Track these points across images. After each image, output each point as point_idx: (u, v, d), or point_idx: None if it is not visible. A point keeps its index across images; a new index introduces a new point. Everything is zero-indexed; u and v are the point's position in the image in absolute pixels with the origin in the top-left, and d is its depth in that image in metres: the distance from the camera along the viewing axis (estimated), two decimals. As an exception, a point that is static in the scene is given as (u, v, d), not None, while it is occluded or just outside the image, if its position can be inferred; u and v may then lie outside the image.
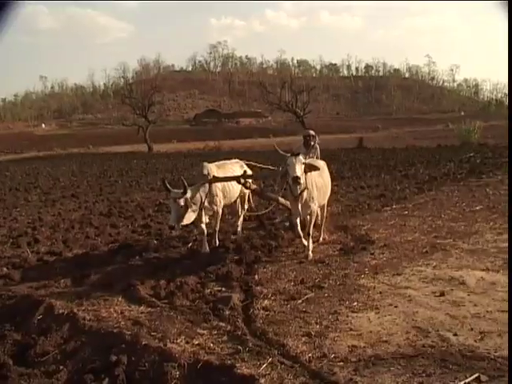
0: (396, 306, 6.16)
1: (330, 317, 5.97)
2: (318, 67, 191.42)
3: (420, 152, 31.67)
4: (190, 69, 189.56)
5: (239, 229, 10.57)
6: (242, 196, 10.36)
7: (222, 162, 10.18)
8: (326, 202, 9.52)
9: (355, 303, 6.35)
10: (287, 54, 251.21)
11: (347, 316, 5.97)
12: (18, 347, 6.20)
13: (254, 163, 11.11)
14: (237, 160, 10.69)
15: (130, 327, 5.96)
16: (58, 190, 22.11)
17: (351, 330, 5.58)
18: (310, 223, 8.67)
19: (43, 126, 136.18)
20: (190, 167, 27.27)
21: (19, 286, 8.01)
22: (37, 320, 6.69)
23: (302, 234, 8.60)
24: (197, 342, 5.49)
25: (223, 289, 7.16)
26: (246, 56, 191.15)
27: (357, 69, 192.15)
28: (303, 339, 5.40)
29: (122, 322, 6.15)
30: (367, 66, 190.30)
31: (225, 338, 5.62)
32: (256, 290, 6.98)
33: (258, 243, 9.42)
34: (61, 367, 5.52)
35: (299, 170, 7.84)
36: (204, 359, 5.01)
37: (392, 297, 6.50)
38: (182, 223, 8.61)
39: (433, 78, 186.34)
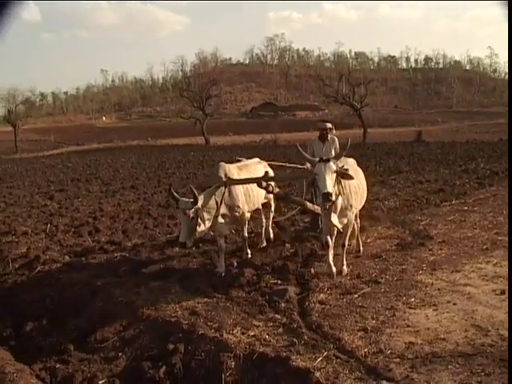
0: (455, 304, 6.07)
1: (387, 312, 5.94)
2: (376, 59, 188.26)
3: (481, 146, 30.88)
4: (247, 62, 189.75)
5: (264, 243, 9.26)
6: (267, 202, 9.21)
7: (243, 163, 9.05)
8: (362, 205, 8.32)
9: (412, 299, 6.29)
10: (345, 47, 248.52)
11: (404, 312, 5.93)
12: (79, 333, 6.43)
13: (278, 163, 10.16)
14: (258, 160, 9.49)
15: (186, 317, 6.08)
16: (118, 181, 22.61)
17: (408, 326, 5.54)
18: (346, 234, 7.58)
19: (104, 118, 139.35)
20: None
21: (81, 274, 8.27)
22: (97, 307, 6.90)
23: (331, 245, 7.32)
24: (252, 334, 5.56)
25: (279, 281, 7.17)
26: (304, 48, 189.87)
27: (416, 61, 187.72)
28: (359, 334, 5.40)
29: (179, 312, 6.27)
30: (427, 58, 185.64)
31: (280, 330, 5.67)
32: (312, 284, 6.99)
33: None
34: (120, 354, 5.71)
35: (330, 183, 6.47)
36: (259, 351, 5.08)
37: (450, 294, 6.40)
38: (195, 237, 7.43)
39: (495, 70, 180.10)
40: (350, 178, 6.88)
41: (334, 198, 6.49)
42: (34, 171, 31.20)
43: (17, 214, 14.49)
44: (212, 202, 7.62)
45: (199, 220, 7.24)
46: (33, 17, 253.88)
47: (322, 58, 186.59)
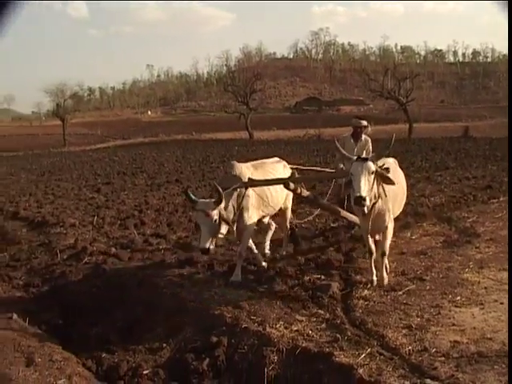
0: (502, 303, 5.92)
1: (432, 310, 5.86)
2: (423, 53, 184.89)
3: (531, 142, 30.05)
4: (291, 56, 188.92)
5: (284, 251, 8.59)
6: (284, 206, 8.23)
7: (259, 162, 8.12)
8: (401, 210, 7.62)
9: (458, 297, 6.18)
10: (390, 40, 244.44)
11: (450, 310, 5.84)
12: (124, 323, 6.56)
13: (301, 167, 9.16)
14: (277, 159, 8.51)
15: (230, 310, 6.12)
16: (163, 174, 22.83)
17: (454, 324, 5.45)
18: (385, 240, 6.80)
19: (149, 112, 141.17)
20: (290, 155, 27.16)
21: (126, 265, 8.44)
22: (142, 298, 7.01)
23: (374, 252, 6.82)
24: (295, 328, 5.56)
25: (322, 277, 7.13)
26: (349, 42, 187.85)
27: (463, 55, 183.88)
28: (403, 331, 5.34)
29: (223, 305, 6.30)
30: (474, 52, 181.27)
31: (323, 325, 5.66)
32: (356, 280, 6.95)
33: (357, 232, 9.33)
34: (164, 345, 5.80)
35: (366, 186, 5.85)
36: (302, 346, 5.09)
37: (498, 293, 6.26)
38: (217, 241, 6.89)
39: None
40: (391, 182, 6.25)
41: (368, 202, 5.92)
42: (81, 164, 31.84)
43: (65, 206, 14.82)
44: (231, 206, 6.94)
45: (222, 222, 6.68)
46: (81, 14, 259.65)
47: (367, 52, 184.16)
